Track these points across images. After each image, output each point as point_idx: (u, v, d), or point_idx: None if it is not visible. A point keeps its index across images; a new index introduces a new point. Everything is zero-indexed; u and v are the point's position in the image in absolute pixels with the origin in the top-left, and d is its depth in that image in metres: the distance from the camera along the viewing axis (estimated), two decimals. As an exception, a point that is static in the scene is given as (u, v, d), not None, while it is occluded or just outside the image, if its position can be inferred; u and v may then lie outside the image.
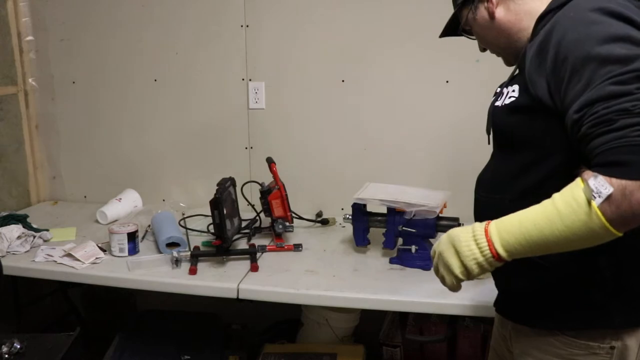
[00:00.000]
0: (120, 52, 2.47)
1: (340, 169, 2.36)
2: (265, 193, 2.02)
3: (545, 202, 0.93)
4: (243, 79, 2.38)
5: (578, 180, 0.90)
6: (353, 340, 2.17)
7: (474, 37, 1.29)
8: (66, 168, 2.65)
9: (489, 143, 1.24)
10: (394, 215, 1.84)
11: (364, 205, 1.91)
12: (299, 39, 2.30)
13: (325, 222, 2.26)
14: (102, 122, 2.56)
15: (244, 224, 2.11)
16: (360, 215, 1.92)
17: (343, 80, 2.30)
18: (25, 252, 1.98)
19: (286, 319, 2.33)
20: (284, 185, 2.03)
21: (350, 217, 1.94)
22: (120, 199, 2.39)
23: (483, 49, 1.31)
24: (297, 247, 1.99)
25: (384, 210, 1.88)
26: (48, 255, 1.92)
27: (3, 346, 1.36)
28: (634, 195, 0.83)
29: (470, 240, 0.99)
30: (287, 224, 2.03)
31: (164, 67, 2.44)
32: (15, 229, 2.02)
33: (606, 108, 0.87)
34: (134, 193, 2.44)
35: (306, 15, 2.28)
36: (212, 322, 2.28)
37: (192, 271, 1.79)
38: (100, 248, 1.95)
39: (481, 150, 1.51)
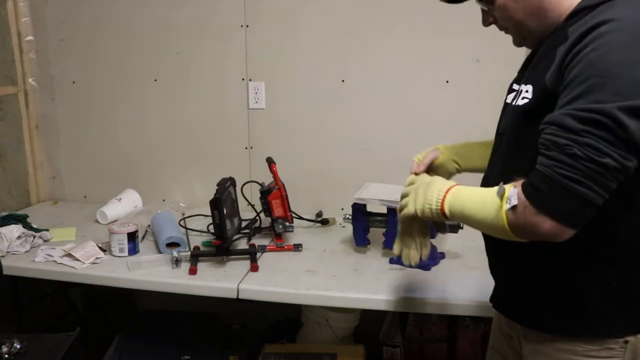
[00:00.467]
0: (120, 52, 2.47)
1: (340, 169, 2.36)
2: (265, 193, 2.02)
3: (490, 189, 1.03)
4: (243, 79, 2.38)
5: (513, 183, 0.99)
6: (353, 340, 2.17)
7: (484, 5, 1.15)
8: (66, 168, 2.65)
9: (497, 138, 1.20)
10: (394, 215, 1.83)
11: (364, 205, 1.91)
12: (299, 39, 2.30)
13: (325, 222, 2.26)
14: (102, 122, 2.56)
15: (244, 224, 2.11)
16: (360, 215, 1.92)
17: (343, 80, 2.30)
18: (25, 252, 1.98)
19: (286, 319, 2.33)
20: (284, 185, 2.03)
21: (350, 217, 1.94)
22: (120, 199, 2.39)
23: (489, 23, 1.17)
24: (297, 247, 1.99)
25: (384, 210, 1.88)
26: (48, 255, 1.92)
27: (3, 346, 1.36)
28: (529, 216, 0.94)
29: (435, 190, 1.14)
30: (287, 224, 2.03)
31: (164, 67, 2.44)
32: (15, 229, 2.02)
33: (553, 135, 0.93)
34: (134, 193, 2.44)
35: (306, 15, 2.28)
36: (212, 322, 2.27)
37: (192, 271, 1.79)
38: (100, 248, 1.95)
39: (481, 150, 1.51)
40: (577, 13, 1.01)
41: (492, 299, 1.31)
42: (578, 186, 0.89)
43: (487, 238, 1.23)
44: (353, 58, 2.27)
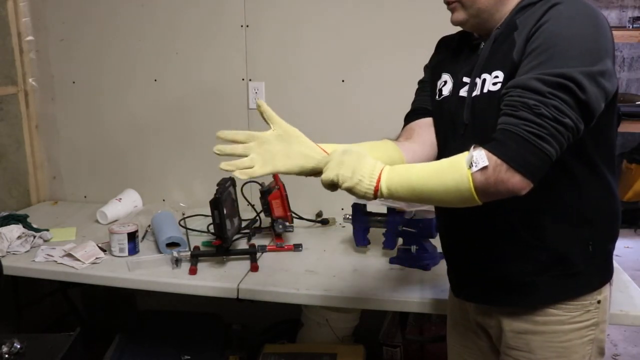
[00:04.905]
0: (120, 52, 2.47)
1: (340, 169, 2.36)
2: (265, 193, 2.02)
3: (434, 162, 1.10)
4: (243, 79, 2.38)
5: (465, 152, 1.03)
6: (353, 340, 2.17)
7: None
8: (66, 168, 2.65)
9: (452, 129, 1.22)
10: (394, 215, 1.84)
11: (364, 205, 1.91)
12: (299, 38, 2.30)
13: (325, 222, 2.26)
14: (102, 122, 2.56)
15: (244, 224, 2.11)
16: (360, 215, 1.92)
17: (343, 80, 2.30)
18: (25, 252, 1.97)
19: (286, 319, 2.33)
20: (284, 185, 2.03)
21: (350, 217, 1.93)
22: (120, 199, 2.39)
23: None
24: (297, 247, 1.99)
25: (384, 210, 1.88)
26: (48, 255, 1.92)
27: (3, 346, 1.36)
28: (500, 173, 0.99)
29: (368, 166, 1.08)
30: (287, 224, 2.03)
31: (164, 67, 2.44)
32: (15, 229, 2.02)
33: (519, 96, 1.00)
34: (134, 193, 2.44)
35: (306, 15, 2.28)
36: (212, 322, 2.28)
37: (192, 271, 1.79)
38: (100, 248, 1.95)
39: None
40: (523, 9, 1.11)
41: (459, 294, 1.32)
42: (542, 142, 0.98)
43: (458, 236, 1.24)
44: (353, 58, 2.27)
